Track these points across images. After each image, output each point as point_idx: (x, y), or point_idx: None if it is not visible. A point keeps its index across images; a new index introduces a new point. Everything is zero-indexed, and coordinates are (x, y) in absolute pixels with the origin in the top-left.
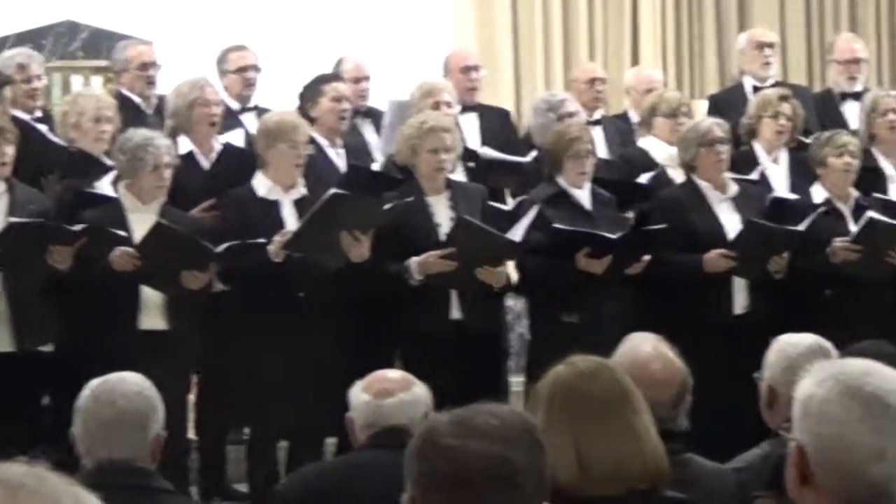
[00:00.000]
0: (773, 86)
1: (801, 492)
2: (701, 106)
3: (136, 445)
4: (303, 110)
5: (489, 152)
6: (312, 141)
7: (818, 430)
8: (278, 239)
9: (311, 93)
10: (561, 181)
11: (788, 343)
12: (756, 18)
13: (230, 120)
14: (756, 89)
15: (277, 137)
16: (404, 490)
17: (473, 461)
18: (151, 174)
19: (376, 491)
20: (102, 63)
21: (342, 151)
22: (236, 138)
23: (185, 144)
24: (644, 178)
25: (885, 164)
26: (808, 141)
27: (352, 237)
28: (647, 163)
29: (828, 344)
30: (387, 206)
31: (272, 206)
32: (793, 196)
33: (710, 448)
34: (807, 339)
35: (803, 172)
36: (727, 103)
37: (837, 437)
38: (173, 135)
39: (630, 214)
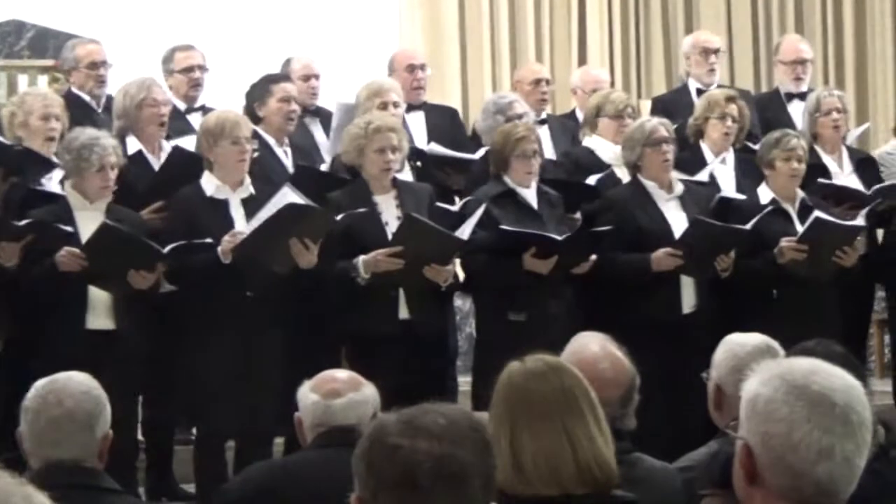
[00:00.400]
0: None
1: (748, 491)
2: (647, 106)
3: (84, 445)
4: (250, 110)
5: (437, 148)
6: (259, 139)
7: (765, 429)
8: (227, 239)
9: (259, 93)
10: (508, 180)
11: (736, 343)
12: (703, 20)
13: (177, 121)
14: (700, 92)
15: (219, 136)
16: (352, 490)
17: (421, 461)
18: (97, 174)
19: (323, 490)
20: (49, 62)
21: (289, 150)
22: (188, 144)
23: (133, 145)
24: (593, 179)
25: (828, 161)
26: (754, 147)
27: (301, 244)
28: (594, 162)
29: (775, 343)
30: (339, 217)
31: (220, 206)
32: (740, 196)
33: (657, 447)
34: (754, 339)
35: (750, 173)
36: (672, 105)
37: (784, 436)
38: (121, 135)
39: (577, 215)
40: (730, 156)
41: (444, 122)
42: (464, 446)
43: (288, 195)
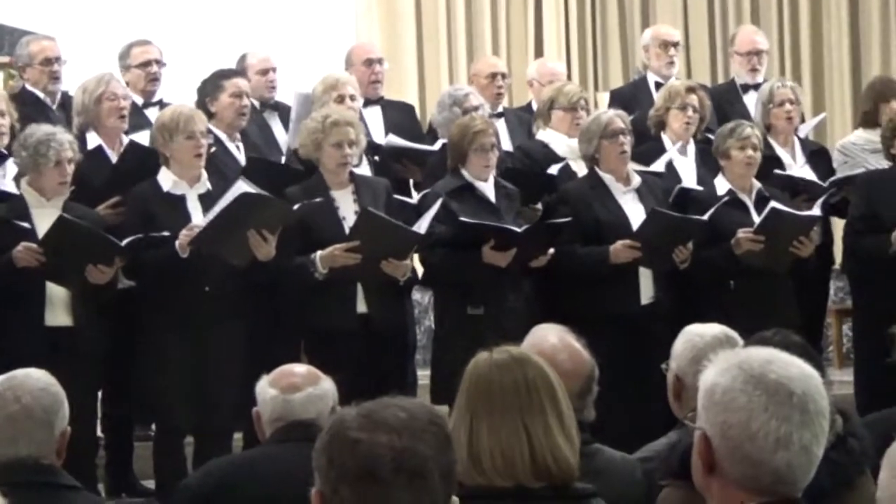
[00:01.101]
0: None
1: (706, 480)
2: (606, 99)
3: (42, 442)
4: (202, 105)
5: (395, 140)
6: (210, 134)
7: (722, 418)
8: (185, 233)
9: (210, 88)
10: (465, 174)
11: (695, 333)
12: (660, 12)
13: (135, 116)
14: (659, 86)
15: (174, 131)
16: (312, 484)
17: (380, 454)
18: (54, 170)
19: (283, 484)
20: (4, 59)
21: (241, 145)
22: (143, 139)
23: (93, 140)
24: (554, 169)
25: (781, 152)
26: (711, 136)
27: (259, 236)
28: (547, 155)
29: (734, 334)
30: (295, 207)
31: (177, 201)
32: (699, 187)
33: (616, 438)
34: (713, 329)
35: (711, 164)
36: (630, 98)
37: (742, 425)
38: (82, 131)
39: (538, 206)
40: (690, 147)
41: (401, 118)
42: (424, 440)
43: (242, 188)
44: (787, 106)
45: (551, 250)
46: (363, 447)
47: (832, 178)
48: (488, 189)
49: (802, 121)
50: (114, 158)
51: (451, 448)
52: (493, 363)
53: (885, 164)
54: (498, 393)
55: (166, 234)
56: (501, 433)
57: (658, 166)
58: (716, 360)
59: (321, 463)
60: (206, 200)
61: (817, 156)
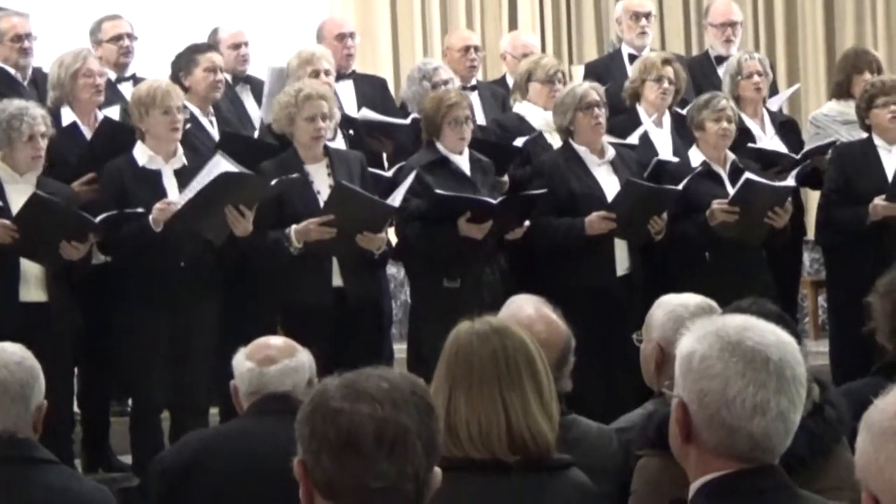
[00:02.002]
0: None
1: (683, 448)
2: (580, 72)
3: (18, 416)
4: (176, 80)
5: (369, 114)
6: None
7: (700, 386)
8: (159, 207)
9: (184, 62)
10: (440, 147)
11: (678, 303)
12: None
13: (108, 91)
14: (633, 58)
15: (150, 105)
16: (295, 455)
17: (362, 424)
18: (26, 144)
19: (259, 457)
20: None
21: (214, 119)
22: (113, 114)
23: (67, 116)
24: (520, 141)
25: (750, 123)
26: (681, 112)
27: (236, 212)
28: (523, 128)
29: (715, 304)
30: (273, 182)
31: (153, 177)
32: (674, 159)
33: (592, 409)
34: (695, 299)
35: (687, 136)
36: (604, 71)
37: (719, 392)
38: (56, 106)
39: (505, 178)
40: (666, 119)
41: (373, 92)
42: (406, 410)
43: (221, 164)
44: (756, 77)
45: (527, 223)
46: (345, 417)
47: (805, 150)
48: (463, 162)
49: (776, 92)
50: (88, 135)
51: (433, 419)
52: (474, 333)
53: (856, 135)
54: (477, 364)
55: (141, 210)
56: (479, 405)
57: (633, 139)
58: (693, 328)
59: (303, 433)
60: (182, 175)
61: (786, 127)
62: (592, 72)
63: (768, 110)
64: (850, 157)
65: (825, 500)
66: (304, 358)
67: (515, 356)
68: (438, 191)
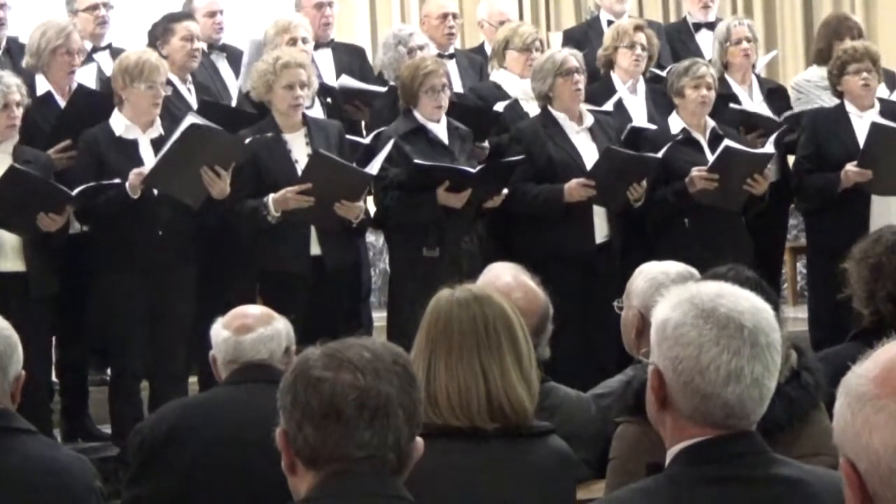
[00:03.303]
0: None
1: (659, 415)
2: (558, 39)
3: None
4: (153, 48)
5: (348, 81)
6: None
7: (674, 353)
8: (136, 172)
9: (161, 31)
10: (417, 115)
11: (660, 270)
12: None
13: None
14: (611, 24)
15: (136, 77)
16: (275, 423)
17: (344, 393)
18: (1, 113)
19: (237, 426)
20: None
21: (192, 87)
22: (87, 74)
23: (42, 84)
24: (500, 106)
25: (738, 90)
26: (662, 74)
27: (212, 172)
28: (500, 96)
29: (695, 271)
30: (246, 141)
31: (130, 146)
32: (651, 126)
33: (571, 376)
34: (677, 266)
35: (661, 103)
36: (583, 38)
37: (693, 359)
38: (30, 73)
39: (485, 144)
40: (640, 86)
41: (351, 61)
42: (388, 379)
43: (190, 119)
44: (744, 44)
45: (505, 190)
46: (327, 386)
47: (787, 113)
48: (441, 130)
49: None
50: (62, 103)
51: (415, 388)
52: (454, 300)
53: (836, 101)
54: (457, 330)
55: (117, 181)
56: (458, 372)
57: (608, 106)
58: (667, 296)
59: (286, 402)
60: (159, 145)
61: (774, 94)
62: (571, 39)
63: (757, 76)
64: (822, 123)
65: (803, 465)
66: (280, 326)
67: (495, 323)
68: (417, 161)
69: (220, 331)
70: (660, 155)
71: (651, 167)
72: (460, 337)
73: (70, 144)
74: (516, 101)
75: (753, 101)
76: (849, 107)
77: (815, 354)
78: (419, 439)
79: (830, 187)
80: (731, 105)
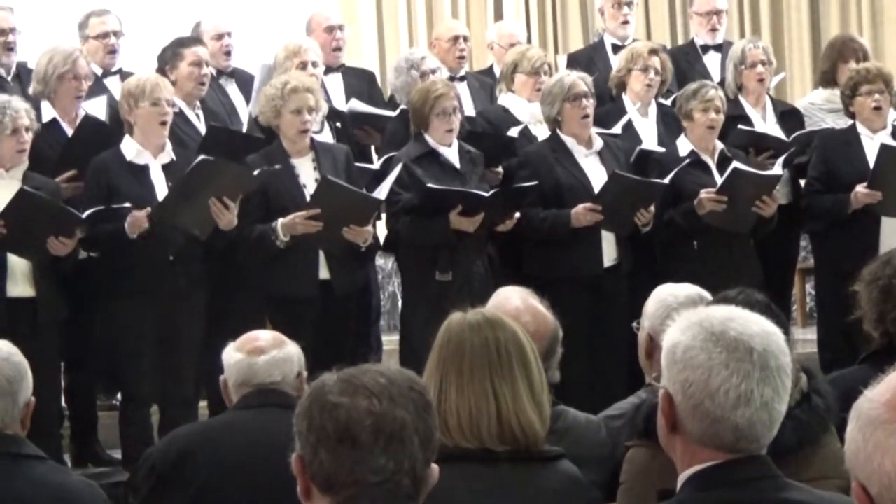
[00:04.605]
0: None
1: (670, 439)
2: (564, 62)
3: (6, 413)
4: (161, 73)
5: (358, 105)
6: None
7: (684, 376)
8: (134, 215)
9: (170, 56)
10: (429, 139)
11: (668, 293)
12: None
13: (94, 85)
14: (616, 48)
15: (139, 97)
16: (288, 448)
17: (359, 418)
18: (11, 137)
19: (247, 451)
20: None
21: (201, 113)
22: (98, 106)
23: (48, 111)
24: (514, 131)
25: (752, 112)
26: (666, 102)
27: (220, 204)
28: (508, 120)
29: (707, 294)
30: (255, 172)
31: (141, 171)
32: (660, 149)
33: (580, 399)
34: (686, 289)
35: (671, 126)
36: (587, 61)
37: (702, 382)
38: (37, 98)
39: (499, 169)
40: (651, 109)
41: (361, 85)
42: (403, 405)
43: (201, 157)
44: (759, 67)
45: (517, 214)
46: (342, 411)
47: (796, 133)
48: (452, 154)
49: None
50: (69, 131)
51: (430, 415)
52: (467, 323)
53: (842, 123)
54: (468, 353)
55: (128, 205)
56: (470, 394)
57: (617, 128)
58: (679, 319)
59: (301, 427)
60: (170, 170)
61: (788, 115)
62: (575, 61)
63: (771, 98)
64: (833, 144)
65: (813, 489)
66: (292, 350)
67: (507, 347)
68: (430, 185)
69: (232, 353)
70: (667, 180)
71: (658, 192)
72: (472, 360)
73: (76, 174)
74: (527, 128)
75: (767, 123)
76: (860, 128)
77: (825, 377)
78: (434, 465)
79: (840, 208)
80: (740, 126)
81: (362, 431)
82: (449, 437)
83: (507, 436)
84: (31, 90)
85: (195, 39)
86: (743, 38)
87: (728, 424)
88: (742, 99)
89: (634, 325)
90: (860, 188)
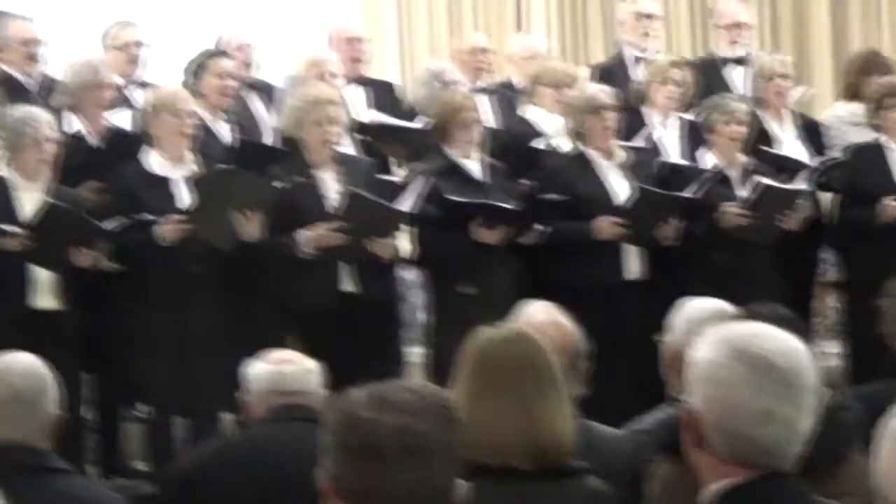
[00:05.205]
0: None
1: (696, 454)
2: (584, 74)
3: (31, 425)
4: (187, 86)
5: (380, 117)
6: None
7: (707, 392)
8: (169, 226)
9: (196, 68)
10: (451, 152)
11: (695, 307)
12: None
13: (117, 97)
14: (637, 60)
15: (161, 109)
16: (314, 463)
17: (385, 433)
18: (33, 148)
19: (274, 465)
20: None
21: (226, 125)
22: (123, 119)
23: (73, 123)
24: (540, 143)
25: (772, 126)
26: (688, 117)
27: (243, 217)
28: (532, 133)
29: (732, 308)
30: (278, 185)
31: (163, 183)
32: (683, 162)
33: (603, 413)
34: (713, 304)
35: (694, 138)
36: (609, 73)
37: (725, 399)
38: (62, 109)
39: (521, 181)
40: (674, 121)
41: (383, 97)
42: (429, 421)
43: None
44: (779, 81)
45: (540, 227)
46: (368, 425)
47: (819, 159)
48: (474, 166)
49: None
50: (94, 142)
51: (457, 430)
52: (501, 339)
53: (866, 137)
54: (504, 369)
55: (151, 217)
56: (504, 410)
57: (639, 141)
58: (706, 334)
59: (328, 442)
60: (193, 182)
61: (808, 129)
62: (597, 74)
63: (791, 112)
64: (861, 158)
65: None
66: (315, 366)
67: (540, 362)
68: (452, 197)
69: (258, 365)
70: (690, 194)
71: (682, 207)
72: (507, 375)
73: (99, 186)
74: (550, 140)
75: (787, 138)
76: (887, 141)
77: (850, 392)
78: (461, 482)
79: (867, 222)
80: (762, 147)
81: (389, 446)
82: (480, 454)
83: (541, 450)
84: (56, 102)
85: (221, 52)
86: (771, 51)
87: (749, 441)
88: (762, 112)
89: (657, 338)
90: (888, 201)
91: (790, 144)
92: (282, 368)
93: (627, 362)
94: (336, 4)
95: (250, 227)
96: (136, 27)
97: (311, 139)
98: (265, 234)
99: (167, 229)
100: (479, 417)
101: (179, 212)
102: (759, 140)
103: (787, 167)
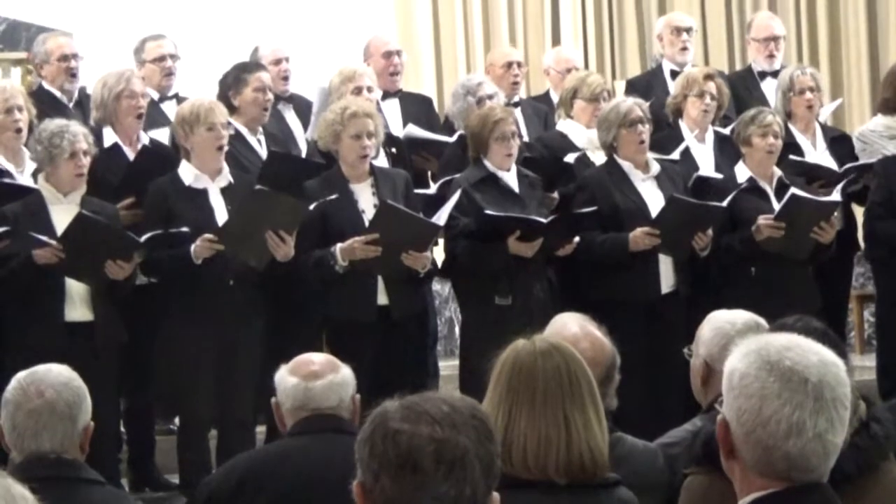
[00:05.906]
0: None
1: (729, 465)
2: (622, 88)
3: (65, 437)
4: (224, 98)
5: (415, 130)
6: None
7: (738, 404)
8: (203, 244)
9: (233, 81)
10: (488, 164)
11: (726, 320)
12: (676, 0)
13: (151, 110)
14: (674, 74)
15: (195, 123)
16: (348, 475)
17: (421, 445)
18: (69, 161)
19: (306, 477)
20: (22, 55)
21: (262, 139)
22: (162, 136)
23: (109, 137)
24: (571, 157)
25: (801, 139)
26: (724, 131)
27: (276, 238)
28: (566, 146)
29: (763, 321)
30: (311, 206)
31: (199, 195)
32: (717, 175)
33: (637, 426)
34: (743, 316)
35: (729, 152)
36: (646, 86)
37: (755, 411)
38: (99, 125)
39: (555, 194)
40: (708, 135)
41: (419, 110)
42: (465, 433)
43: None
44: (808, 94)
45: (576, 239)
46: (404, 438)
47: (848, 165)
48: (511, 178)
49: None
50: (130, 156)
51: (492, 442)
52: (537, 351)
53: None
54: (541, 381)
55: (185, 229)
56: (541, 423)
57: (675, 155)
58: (739, 346)
59: (363, 454)
60: (228, 194)
61: (838, 142)
62: (634, 87)
63: (821, 125)
64: (894, 170)
65: None
66: (346, 373)
67: (577, 374)
68: (487, 211)
69: (286, 377)
70: (724, 204)
71: (716, 216)
72: (544, 387)
73: (135, 201)
74: (584, 153)
75: (816, 150)
76: None
77: (883, 404)
78: (495, 494)
79: None
80: (791, 157)
81: (424, 458)
82: (514, 466)
83: (576, 463)
84: (91, 120)
85: (258, 65)
86: (799, 64)
87: (780, 454)
88: (791, 126)
89: (686, 350)
90: None
91: (819, 157)
92: (310, 385)
93: (663, 375)
94: (371, 17)
95: (285, 248)
96: (167, 40)
97: (348, 153)
98: (305, 248)
99: (201, 247)
100: (513, 430)
101: (214, 227)
102: (788, 153)
103: (818, 175)
